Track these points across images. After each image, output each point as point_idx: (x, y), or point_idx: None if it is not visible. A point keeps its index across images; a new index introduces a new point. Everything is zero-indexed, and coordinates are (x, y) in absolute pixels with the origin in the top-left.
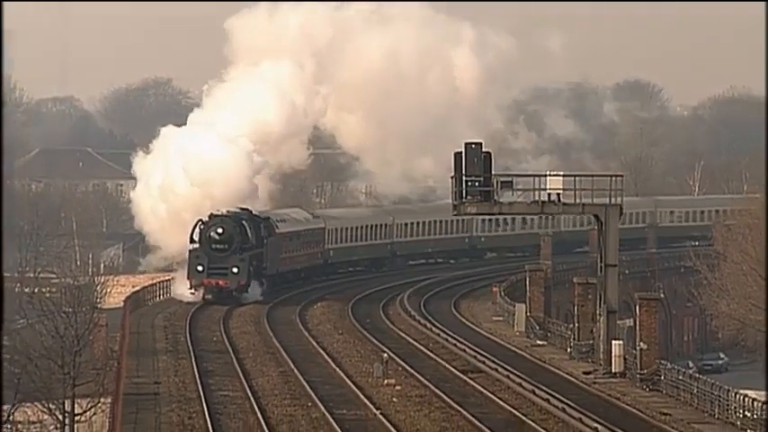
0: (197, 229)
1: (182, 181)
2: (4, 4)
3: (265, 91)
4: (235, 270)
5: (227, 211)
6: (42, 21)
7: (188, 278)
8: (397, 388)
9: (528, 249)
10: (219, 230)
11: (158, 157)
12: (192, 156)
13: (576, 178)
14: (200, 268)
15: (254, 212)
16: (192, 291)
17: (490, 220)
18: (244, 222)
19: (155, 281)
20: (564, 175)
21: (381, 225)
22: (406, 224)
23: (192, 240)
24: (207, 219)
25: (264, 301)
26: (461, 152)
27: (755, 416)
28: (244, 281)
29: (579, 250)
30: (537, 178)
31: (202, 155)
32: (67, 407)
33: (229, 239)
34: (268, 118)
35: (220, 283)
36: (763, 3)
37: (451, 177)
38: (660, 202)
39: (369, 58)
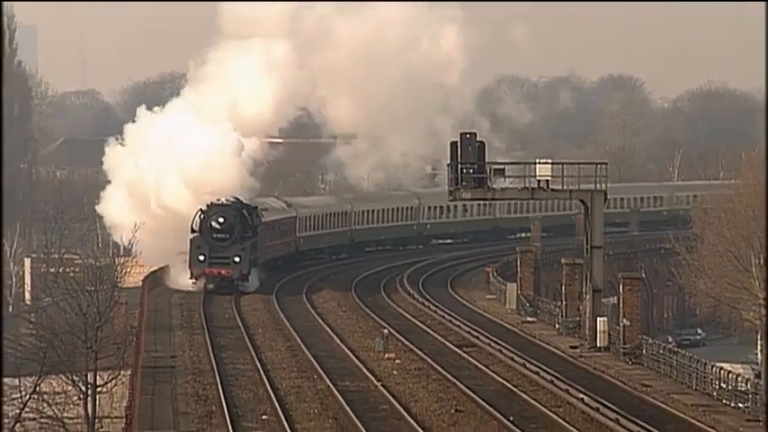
0: (197, 218)
1: (171, 179)
2: (29, 4)
3: (254, 73)
4: (237, 259)
5: (227, 200)
6: (65, 19)
7: (189, 268)
8: (397, 362)
9: (467, 235)
10: (221, 220)
11: (139, 148)
12: (183, 146)
13: (564, 166)
14: (201, 258)
15: (244, 201)
16: (194, 281)
17: (435, 207)
18: (244, 211)
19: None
20: (552, 163)
21: (342, 213)
22: (362, 212)
23: (192, 230)
24: (206, 207)
25: (265, 290)
26: (457, 141)
27: (730, 387)
28: (246, 270)
29: (512, 237)
30: (526, 165)
31: (193, 143)
32: (90, 379)
33: (230, 229)
34: (257, 101)
35: (222, 272)
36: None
37: (448, 165)
38: None
39: (355, 39)
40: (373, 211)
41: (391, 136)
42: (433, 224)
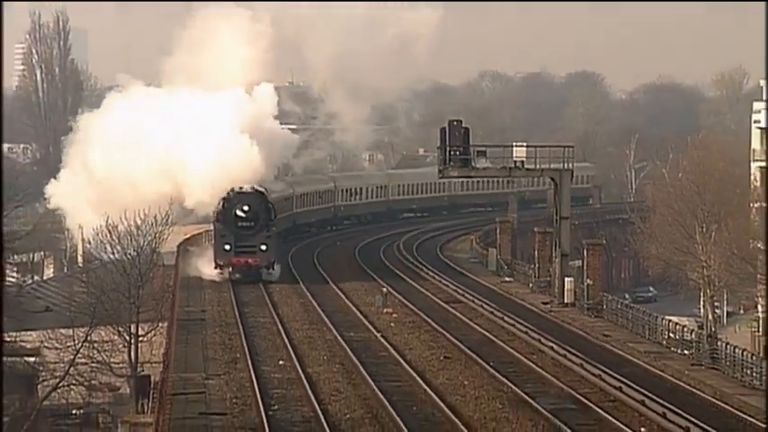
0: (219, 207)
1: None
2: (80, 9)
3: (234, 42)
4: (263, 248)
5: (251, 188)
6: (112, 21)
7: (215, 258)
8: (394, 315)
9: (368, 216)
10: (245, 208)
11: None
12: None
13: (537, 148)
14: (227, 247)
15: (257, 188)
16: (220, 271)
17: (347, 190)
18: (267, 198)
19: (201, 230)
20: (527, 146)
21: (288, 198)
22: (300, 195)
23: (216, 219)
24: (228, 195)
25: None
26: (446, 127)
27: (678, 337)
28: (273, 258)
29: (408, 215)
30: (504, 148)
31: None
32: (133, 329)
33: (255, 216)
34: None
35: (249, 261)
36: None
37: (437, 148)
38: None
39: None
40: (306, 194)
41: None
42: (345, 206)
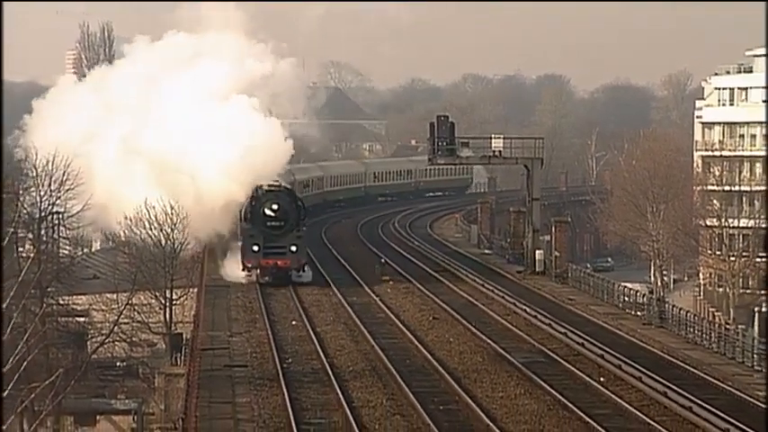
0: (247, 206)
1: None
2: (124, 21)
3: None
4: (293, 248)
5: (279, 185)
6: (142, 26)
7: (243, 260)
8: (391, 283)
9: (312, 207)
10: (275, 206)
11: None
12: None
13: (512, 140)
14: (255, 248)
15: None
16: (248, 273)
17: (301, 182)
18: (296, 196)
19: None
20: (503, 138)
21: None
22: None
23: (243, 218)
24: (256, 194)
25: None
26: (434, 122)
27: (631, 300)
28: (304, 259)
29: (338, 206)
30: (484, 139)
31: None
32: (168, 294)
33: (285, 216)
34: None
35: (279, 263)
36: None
37: (427, 139)
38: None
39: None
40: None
41: None
42: (303, 198)
